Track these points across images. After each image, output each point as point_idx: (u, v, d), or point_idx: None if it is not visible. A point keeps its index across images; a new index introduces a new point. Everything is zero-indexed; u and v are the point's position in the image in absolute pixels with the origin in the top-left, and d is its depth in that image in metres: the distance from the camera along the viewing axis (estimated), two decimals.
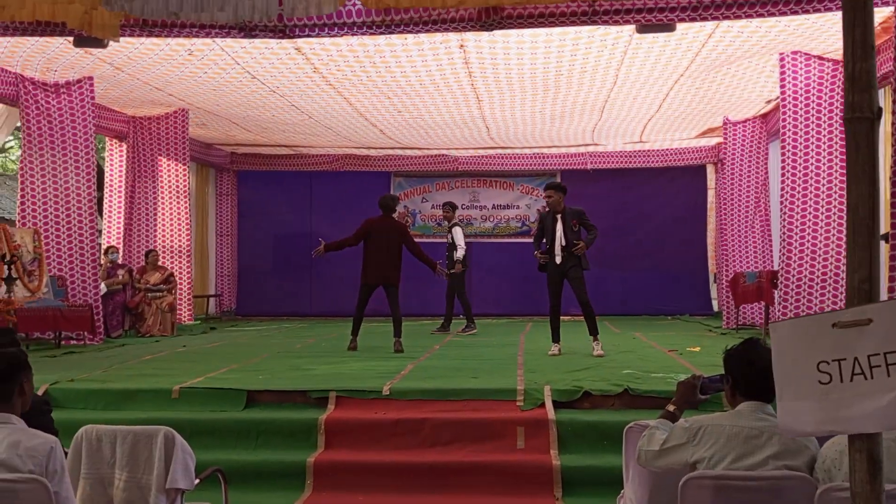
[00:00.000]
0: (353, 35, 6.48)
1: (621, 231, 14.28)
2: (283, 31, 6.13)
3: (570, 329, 9.46)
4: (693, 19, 5.73)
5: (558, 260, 7.68)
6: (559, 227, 7.70)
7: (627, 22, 5.80)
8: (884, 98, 6.79)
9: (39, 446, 2.59)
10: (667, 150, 13.90)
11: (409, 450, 4.95)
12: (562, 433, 4.93)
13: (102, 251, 10.73)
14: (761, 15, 5.63)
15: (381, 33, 6.27)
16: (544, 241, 7.85)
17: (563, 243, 7.66)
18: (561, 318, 7.98)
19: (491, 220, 14.81)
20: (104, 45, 6.75)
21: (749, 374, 2.61)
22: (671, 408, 2.84)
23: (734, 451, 2.51)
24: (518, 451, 4.91)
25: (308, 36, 6.37)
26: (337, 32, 6.18)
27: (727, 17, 5.77)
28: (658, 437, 2.71)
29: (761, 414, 2.56)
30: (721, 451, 2.53)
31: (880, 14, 6.23)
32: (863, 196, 1.77)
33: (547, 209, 7.96)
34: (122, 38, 6.35)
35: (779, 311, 8.52)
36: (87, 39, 6.49)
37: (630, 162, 14.13)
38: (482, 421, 5.10)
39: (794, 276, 8.37)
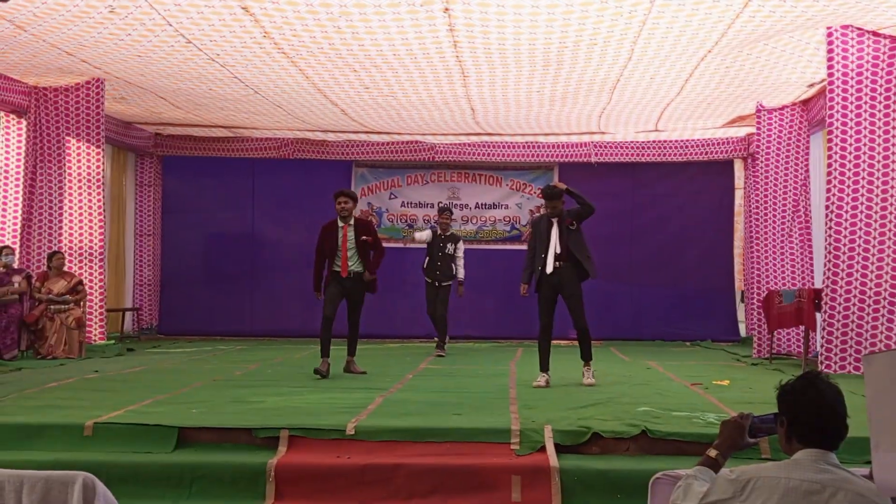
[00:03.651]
0: None
1: (631, 238, 14.41)
2: None
3: (569, 357, 9.51)
4: None
5: (549, 269, 7.81)
6: (555, 233, 7.84)
7: None
8: None
9: None
10: (687, 140, 14.05)
11: (379, 503, 4.92)
12: (566, 484, 4.92)
13: None
14: None
15: None
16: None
17: (558, 250, 7.80)
18: (553, 342, 8.12)
19: (473, 221, 14.84)
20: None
21: (809, 417, 2.61)
22: (713, 453, 2.83)
23: None
24: None
25: None
26: None
27: None
28: (696, 490, 2.70)
29: (824, 465, 2.57)
30: None
31: None
32: None
33: (540, 212, 8.09)
34: None
35: (823, 337, 8.62)
36: None
37: (643, 154, 14.25)
38: (469, 468, 5.08)
39: (841, 295, 8.47)
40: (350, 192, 8.68)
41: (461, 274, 11.36)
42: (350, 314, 8.66)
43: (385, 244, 10.76)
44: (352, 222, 8.56)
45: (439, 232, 11.28)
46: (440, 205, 11.53)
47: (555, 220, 7.95)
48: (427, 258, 11.24)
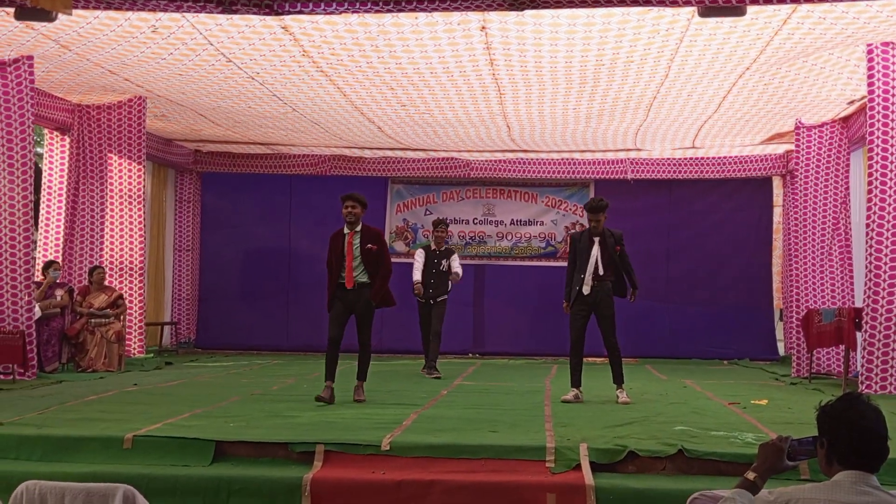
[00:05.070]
0: (353, 13, 6.52)
1: (668, 256, 14.33)
2: (269, 6, 6.16)
3: (604, 374, 9.48)
4: (768, 1, 5.78)
5: (586, 290, 7.84)
6: (596, 251, 7.81)
7: (689, 3, 5.85)
8: None
9: None
10: (725, 158, 13.95)
11: None
12: (602, 502, 4.89)
13: (41, 267, 10.73)
14: None
15: (388, 11, 6.30)
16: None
17: (601, 272, 7.78)
18: (586, 358, 8.14)
19: (508, 238, 14.84)
20: (52, 19, 6.79)
21: (849, 438, 2.60)
22: (751, 476, 2.81)
23: None
24: None
25: (299, 13, 6.40)
26: (335, 9, 6.21)
27: (809, 0, 5.80)
28: None
29: (865, 487, 2.55)
30: None
31: None
32: None
33: (580, 229, 8.10)
34: (74, 11, 6.39)
35: (863, 357, 8.50)
36: (31, 11, 6.52)
37: (680, 172, 14.17)
38: (504, 485, 5.06)
39: (882, 314, 8.35)
40: (359, 197, 7.78)
41: (459, 271, 10.54)
42: (359, 333, 7.84)
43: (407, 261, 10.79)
44: (358, 229, 7.72)
45: (433, 247, 10.58)
46: (435, 219, 10.92)
47: (596, 239, 7.92)
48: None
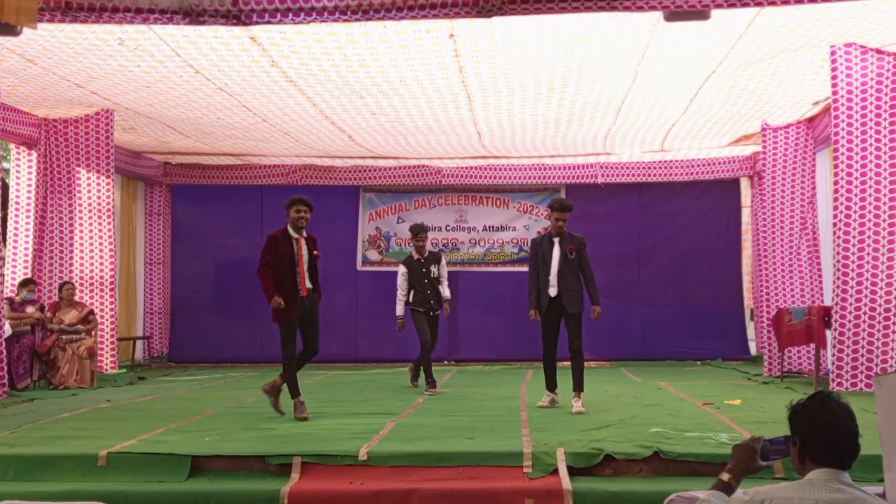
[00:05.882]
0: (321, 22, 6.50)
1: (639, 258, 14.43)
2: (236, 16, 6.15)
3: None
4: (732, 5, 5.84)
5: (553, 293, 7.78)
6: (557, 253, 7.82)
7: (654, 8, 5.89)
8: None
9: None
10: (693, 160, 14.07)
11: None
12: None
13: (17, 284, 10.63)
14: (813, 0, 5.74)
15: (357, 20, 6.30)
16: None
17: (565, 274, 7.80)
18: (559, 363, 8.06)
19: (481, 244, 14.87)
20: (16, 34, 6.71)
21: (821, 436, 2.62)
22: (725, 477, 2.84)
23: None
24: None
25: (267, 23, 6.40)
26: (303, 18, 6.21)
27: (772, 3, 5.88)
28: None
29: (837, 484, 2.57)
30: None
31: None
32: None
33: (543, 233, 8.09)
34: (39, 25, 6.34)
35: (833, 355, 8.60)
36: None
37: (649, 175, 14.28)
38: (482, 492, 5.07)
39: (851, 312, 8.46)
40: (309, 201, 7.46)
41: (447, 293, 9.82)
42: (313, 339, 7.52)
43: (392, 268, 10.73)
44: (304, 234, 7.49)
45: (416, 256, 9.69)
46: (412, 225, 10.03)
47: (556, 241, 7.90)
48: (411, 290, 9.62)
